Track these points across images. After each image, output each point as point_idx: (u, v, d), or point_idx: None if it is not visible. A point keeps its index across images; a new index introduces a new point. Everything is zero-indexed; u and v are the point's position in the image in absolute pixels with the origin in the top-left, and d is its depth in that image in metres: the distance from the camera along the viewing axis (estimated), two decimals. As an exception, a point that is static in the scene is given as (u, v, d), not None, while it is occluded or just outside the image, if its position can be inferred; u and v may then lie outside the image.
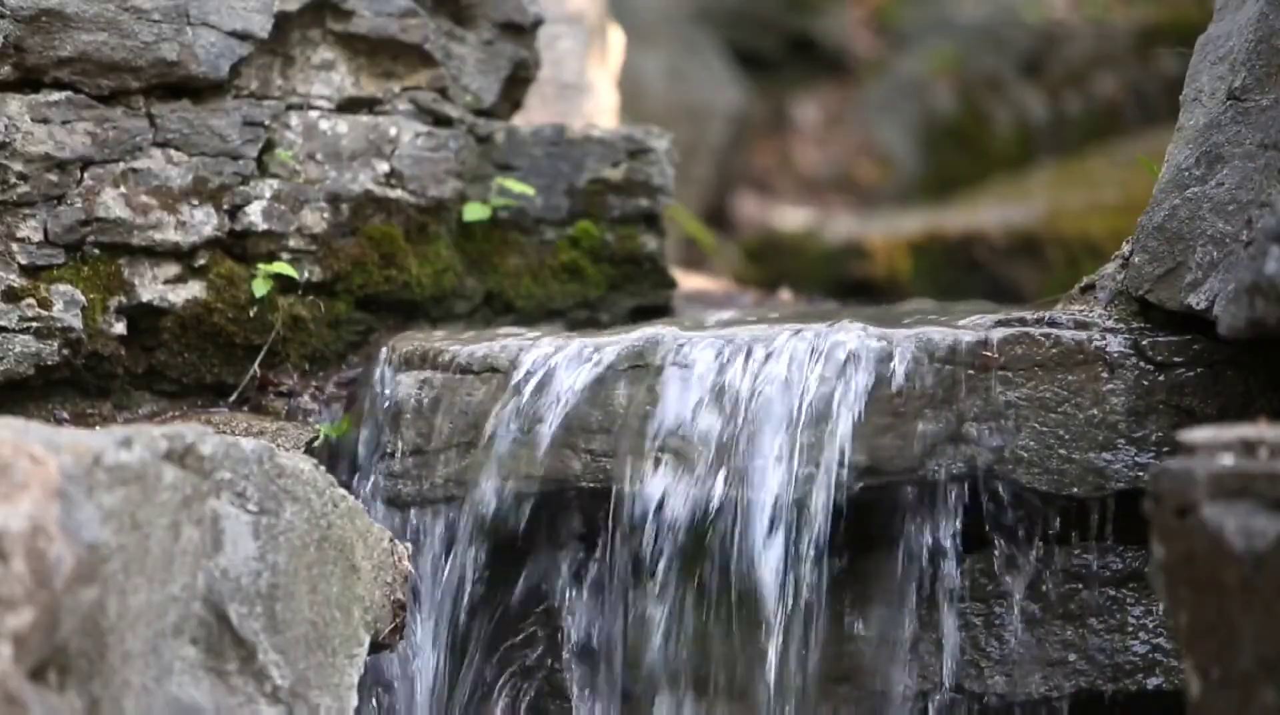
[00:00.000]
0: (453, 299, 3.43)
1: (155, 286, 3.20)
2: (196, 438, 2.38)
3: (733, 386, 2.89)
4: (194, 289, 3.22)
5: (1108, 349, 2.90)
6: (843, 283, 6.14)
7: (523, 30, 3.52)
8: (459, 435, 3.00)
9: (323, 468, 2.57)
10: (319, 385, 3.30)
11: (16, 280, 3.08)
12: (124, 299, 3.17)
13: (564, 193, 3.50)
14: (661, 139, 3.55)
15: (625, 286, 3.52)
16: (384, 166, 3.36)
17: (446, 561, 2.98)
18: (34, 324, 3.07)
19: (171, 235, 3.18)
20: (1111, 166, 6.31)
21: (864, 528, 2.89)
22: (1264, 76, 2.90)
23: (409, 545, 2.72)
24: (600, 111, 4.56)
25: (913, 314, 3.27)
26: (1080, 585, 2.90)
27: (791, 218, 7.24)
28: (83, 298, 3.11)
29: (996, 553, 2.90)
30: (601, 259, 3.51)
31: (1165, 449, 2.84)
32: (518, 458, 2.94)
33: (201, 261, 3.22)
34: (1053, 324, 2.95)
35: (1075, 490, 2.87)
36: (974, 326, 2.95)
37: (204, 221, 3.21)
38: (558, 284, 3.49)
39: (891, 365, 2.88)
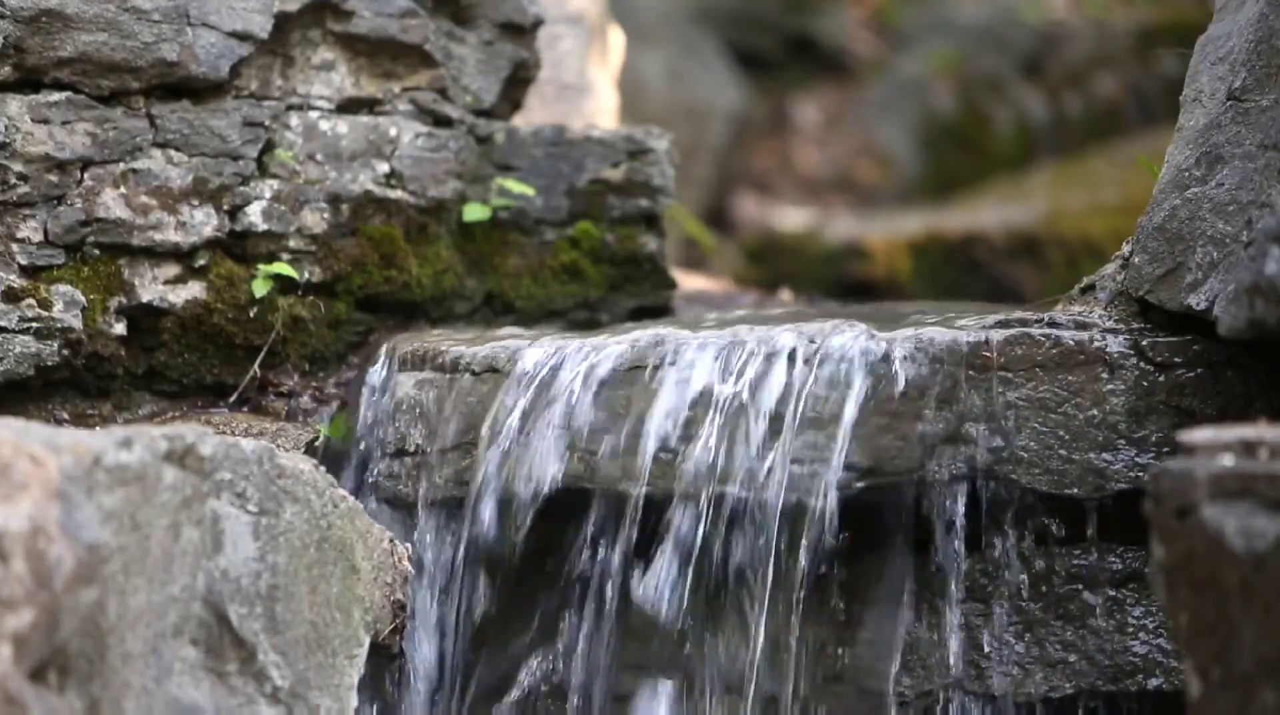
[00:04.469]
0: (453, 299, 3.43)
1: (155, 287, 3.20)
2: (196, 438, 2.38)
3: (733, 387, 2.89)
4: (194, 289, 3.22)
5: (1108, 349, 2.90)
6: (843, 283, 6.14)
7: (523, 31, 3.52)
8: (459, 436, 3.00)
9: (322, 468, 2.57)
10: (319, 386, 3.30)
11: (16, 281, 3.08)
12: (124, 299, 3.17)
13: (564, 193, 3.50)
14: (661, 139, 3.55)
15: (625, 287, 3.52)
16: (384, 167, 3.36)
17: (446, 562, 2.98)
18: (34, 324, 3.07)
19: (171, 236, 3.18)
20: (1111, 167, 6.31)
21: (864, 528, 2.89)
22: (1264, 77, 2.89)
23: (409, 546, 2.72)
24: (600, 112, 4.56)
25: (913, 314, 3.27)
26: (1080, 585, 2.90)
27: (791, 218, 7.24)
28: (83, 298, 3.11)
29: (996, 553, 2.90)
30: (601, 259, 3.51)
31: (1165, 449, 2.84)
32: (518, 458, 2.94)
33: (201, 262, 3.22)
34: (1053, 324, 2.95)
35: (1075, 491, 2.87)
36: (974, 327, 2.95)
37: (204, 222, 3.21)
38: (558, 284, 3.49)
39: (891, 366, 2.88)
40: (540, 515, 2.95)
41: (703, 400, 2.90)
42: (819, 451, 2.85)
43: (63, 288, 3.11)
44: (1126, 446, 2.87)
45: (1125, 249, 3.04)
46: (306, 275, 3.29)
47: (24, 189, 3.09)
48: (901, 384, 2.87)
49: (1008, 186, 6.88)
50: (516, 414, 2.96)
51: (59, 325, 3.09)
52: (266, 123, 3.27)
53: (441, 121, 3.43)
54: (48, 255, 3.12)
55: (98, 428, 3.10)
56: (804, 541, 2.85)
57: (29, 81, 3.12)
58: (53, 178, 3.11)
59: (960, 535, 2.89)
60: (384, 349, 3.19)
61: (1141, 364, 2.89)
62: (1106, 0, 7.92)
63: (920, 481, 2.87)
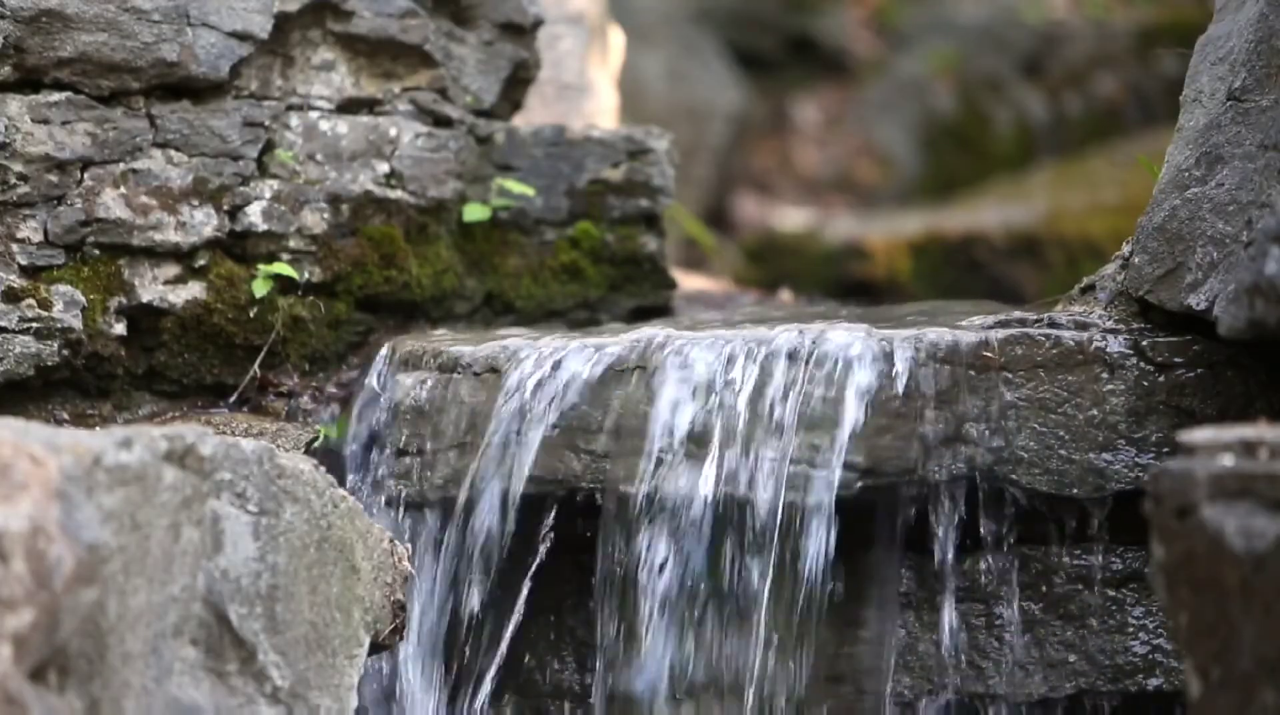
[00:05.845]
0: (453, 299, 3.43)
1: (155, 287, 3.20)
2: (196, 438, 2.38)
3: (732, 387, 2.89)
4: (194, 289, 3.22)
5: (1108, 350, 2.90)
6: (843, 283, 6.13)
7: (523, 31, 3.52)
8: (459, 435, 3.00)
9: (322, 468, 2.57)
10: (319, 386, 3.30)
11: (16, 281, 3.08)
12: (124, 299, 3.17)
13: (564, 193, 3.50)
14: (661, 139, 3.55)
15: (625, 287, 3.52)
16: (384, 167, 3.36)
17: (446, 562, 2.98)
18: (34, 325, 3.07)
19: (171, 236, 3.18)
20: (1111, 167, 6.30)
21: (863, 528, 2.89)
22: (1264, 77, 2.89)
23: (409, 546, 2.72)
24: (600, 112, 4.56)
25: (913, 314, 3.27)
26: (1080, 585, 2.90)
27: (791, 218, 7.24)
28: (83, 298, 3.11)
29: (996, 553, 2.90)
30: (601, 259, 3.51)
31: (1165, 450, 2.84)
32: (517, 458, 2.94)
33: (201, 262, 3.22)
34: (1053, 324, 2.95)
35: (1075, 491, 2.87)
36: (974, 327, 2.95)
37: (204, 222, 3.21)
38: (558, 284, 3.49)
39: (891, 366, 2.88)
40: (539, 515, 2.95)
41: (703, 400, 2.90)
42: (818, 452, 2.85)
43: (63, 288, 3.11)
44: (1126, 446, 2.87)
45: (1125, 249, 3.05)
46: (306, 275, 3.29)
47: (24, 189, 3.09)
48: (901, 384, 2.87)
49: (1008, 186, 6.87)
50: (516, 414, 2.96)
51: (59, 325, 3.09)
52: (266, 123, 3.26)
53: (441, 121, 3.43)
54: (48, 255, 3.12)
55: (98, 428, 3.10)
56: (803, 541, 2.85)
57: (29, 81, 3.11)
58: (53, 178, 3.11)
59: (960, 535, 2.89)
60: (384, 349, 3.19)
61: (1141, 364, 2.89)
62: (1106, 0, 7.92)
63: (920, 481, 2.87)
